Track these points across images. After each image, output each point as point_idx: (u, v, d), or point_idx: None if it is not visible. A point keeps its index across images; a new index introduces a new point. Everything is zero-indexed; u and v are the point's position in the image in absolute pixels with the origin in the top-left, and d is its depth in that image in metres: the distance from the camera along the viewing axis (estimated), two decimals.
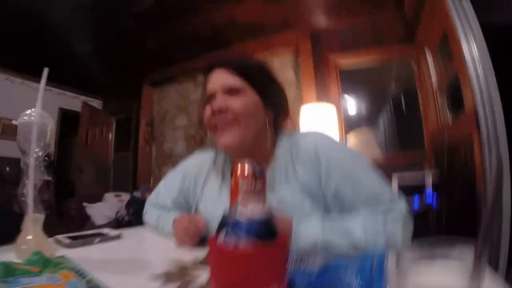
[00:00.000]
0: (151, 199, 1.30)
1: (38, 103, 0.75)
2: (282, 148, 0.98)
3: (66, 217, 5.85)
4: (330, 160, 0.89)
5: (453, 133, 2.28)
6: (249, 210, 0.52)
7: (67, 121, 5.74)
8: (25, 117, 0.73)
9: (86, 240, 0.95)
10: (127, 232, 1.14)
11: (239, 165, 0.71)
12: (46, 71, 0.77)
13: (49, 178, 5.43)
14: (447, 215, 2.14)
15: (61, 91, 5.69)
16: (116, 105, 5.81)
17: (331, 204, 0.88)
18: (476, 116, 1.85)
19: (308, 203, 0.89)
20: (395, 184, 2.16)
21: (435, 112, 2.77)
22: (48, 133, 0.76)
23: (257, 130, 0.95)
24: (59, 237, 0.93)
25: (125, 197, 4.19)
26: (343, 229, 0.79)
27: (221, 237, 0.47)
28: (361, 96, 3.55)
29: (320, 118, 2.62)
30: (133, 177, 4.91)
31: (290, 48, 3.59)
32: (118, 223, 3.23)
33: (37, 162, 0.74)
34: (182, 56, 4.24)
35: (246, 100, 0.93)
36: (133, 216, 3.13)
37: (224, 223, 0.49)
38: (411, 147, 3.17)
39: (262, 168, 0.71)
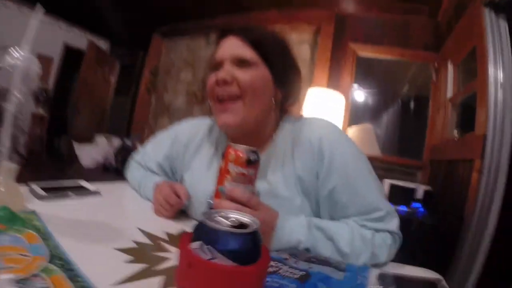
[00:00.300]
0: (135, 157, 1.23)
1: (26, 45, 0.67)
2: (284, 133, 0.91)
3: (56, 153, 5.85)
4: (333, 159, 0.81)
5: (454, 152, 2.24)
6: (231, 218, 0.47)
7: (71, 58, 5.57)
8: (10, 59, 0.67)
9: (61, 194, 0.90)
10: (108, 188, 1.09)
11: (233, 148, 0.67)
12: (39, 9, 0.69)
13: (44, 113, 5.37)
14: (430, 232, 2.14)
15: (69, 27, 5.51)
16: (122, 50, 5.65)
17: (322, 203, 0.83)
18: (484, 143, 1.81)
19: (299, 198, 0.83)
20: (386, 189, 2.14)
21: (441, 124, 2.73)
22: (33, 79, 0.70)
23: (262, 109, 0.87)
24: (35, 187, 0.88)
25: (117, 142, 4.15)
26: (329, 236, 0.74)
27: (195, 245, 0.41)
28: (372, 89, 3.49)
29: (326, 104, 2.56)
30: (128, 124, 4.86)
31: (312, 26, 3.45)
32: (105, 168, 3.20)
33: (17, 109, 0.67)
34: (199, 12, 4.07)
35: (256, 74, 0.85)
36: (120, 164, 3.09)
37: (200, 230, 0.43)
38: (409, 153, 3.15)
39: (257, 156, 0.67)
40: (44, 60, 5.29)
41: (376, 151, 2.58)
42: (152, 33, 4.68)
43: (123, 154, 3.14)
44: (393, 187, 2.13)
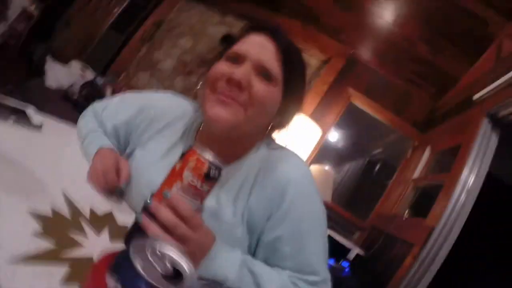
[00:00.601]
0: (96, 106, 1.07)
1: None
2: (256, 157, 0.83)
3: (28, 58, 5.46)
4: (292, 208, 0.75)
5: (398, 229, 2.30)
6: (166, 258, 0.36)
7: None
8: None
9: (1, 114, 0.79)
10: (53, 127, 0.99)
11: (197, 154, 0.56)
12: None
13: (34, 12, 4.97)
14: None
15: None
16: None
17: (262, 246, 0.77)
18: (429, 235, 1.87)
19: (242, 230, 0.77)
20: None
21: (396, 198, 2.80)
22: None
23: (257, 126, 0.81)
24: None
25: (89, 75, 3.93)
26: (258, 283, 0.67)
27: (111, 284, 0.34)
28: (349, 137, 3.54)
29: (303, 132, 2.54)
30: (109, 62, 4.61)
31: (323, 55, 3.41)
32: (66, 96, 3.01)
33: None
34: None
35: (272, 93, 0.76)
36: (82, 98, 2.92)
37: (123, 262, 0.34)
38: (356, 211, 3.21)
39: (219, 173, 0.58)
40: None
41: (327, 197, 2.60)
42: None
43: (89, 90, 2.98)
44: (330, 239, 2.13)
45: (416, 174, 2.75)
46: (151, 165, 0.84)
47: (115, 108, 1.01)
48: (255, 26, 0.82)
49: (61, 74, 3.29)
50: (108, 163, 0.81)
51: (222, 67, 0.76)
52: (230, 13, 4.02)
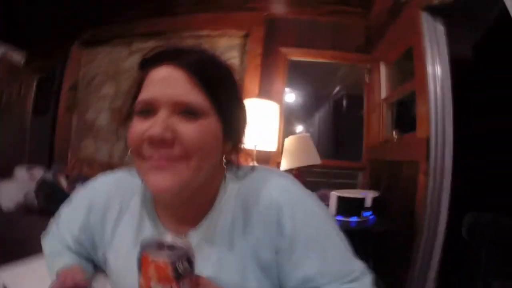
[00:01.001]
0: (54, 221, 0.94)
1: None
2: (230, 197, 0.71)
3: None
4: (296, 231, 0.66)
5: (395, 153, 2.28)
6: None
7: None
8: None
9: None
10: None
11: (151, 259, 0.48)
12: None
13: None
14: (382, 238, 2.16)
15: None
16: (39, 62, 5.06)
17: (286, 276, 0.68)
18: (428, 145, 1.84)
19: (255, 281, 0.67)
20: (333, 203, 2.09)
21: (378, 125, 2.79)
22: None
23: (210, 169, 0.66)
24: None
25: (38, 173, 3.71)
26: None
27: None
28: (304, 92, 3.50)
29: (260, 116, 2.46)
30: (50, 148, 4.37)
31: (241, 31, 3.30)
32: (27, 209, 2.81)
33: None
34: (120, 16, 3.80)
35: (206, 128, 0.62)
36: (43, 203, 2.73)
37: None
38: (347, 155, 3.20)
39: (189, 261, 0.49)
40: None
41: (316, 160, 2.54)
42: (71, 42, 4.24)
43: (44, 191, 2.78)
44: (341, 200, 2.08)
45: (384, 93, 2.73)
46: (127, 262, 0.71)
47: (67, 219, 0.88)
48: (148, 61, 0.66)
49: (11, 191, 3.06)
50: None
51: (136, 128, 0.62)
52: (134, 38, 3.84)
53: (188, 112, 0.60)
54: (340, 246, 0.70)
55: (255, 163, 2.46)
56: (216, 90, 0.63)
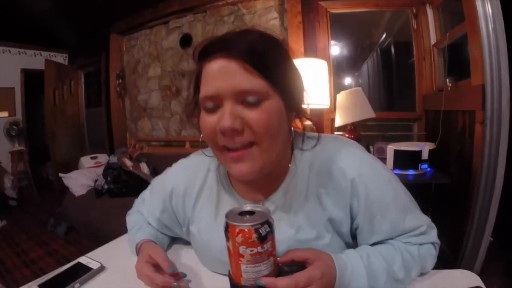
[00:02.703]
0: (137, 202, 1.10)
1: None
2: (304, 164, 0.76)
3: (46, 182, 5.79)
4: (370, 196, 0.71)
5: (450, 102, 2.15)
6: None
7: (33, 82, 5.39)
8: None
9: None
10: (110, 254, 0.98)
11: (237, 227, 0.55)
12: None
13: (22, 148, 5.22)
14: (440, 190, 2.11)
15: (21, 50, 5.29)
16: (83, 58, 5.35)
17: (363, 235, 0.76)
18: (483, 94, 1.72)
19: (328, 236, 0.74)
20: (390, 156, 2.06)
21: (430, 73, 2.64)
22: None
23: (281, 145, 0.70)
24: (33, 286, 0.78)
25: (102, 158, 4.01)
26: (385, 268, 0.70)
27: None
28: (349, 43, 3.36)
29: (310, 76, 2.42)
30: (109, 134, 4.67)
31: None
32: (97, 192, 3.07)
33: None
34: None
35: (270, 109, 0.64)
36: (112, 184, 2.98)
37: None
38: (401, 106, 3.08)
39: (269, 224, 0.57)
40: (6, 92, 5.10)
41: (370, 113, 2.48)
42: (108, 33, 4.39)
43: (112, 174, 3.01)
44: (397, 153, 2.04)
45: (433, 38, 2.55)
46: (210, 232, 0.82)
47: (149, 203, 1.00)
48: (204, 52, 0.68)
49: (80, 179, 3.35)
50: (147, 271, 0.78)
51: (207, 122, 0.66)
52: (169, 17, 3.89)
53: (250, 99, 0.63)
54: (409, 205, 0.76)
55: (310, 122, 2.49)
56: (271, 70, 0.64)
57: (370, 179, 0.72)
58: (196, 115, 0.73)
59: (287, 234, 0.73)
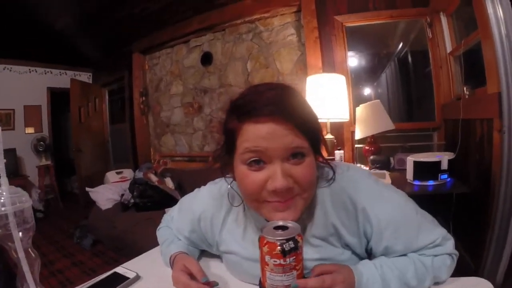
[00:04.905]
0: (166, 218, 1.16)
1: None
2: (323, 200, 0.81)
3: (71, 195, 6.01)
4: (381, 222, 0.77)
5: (468, 110, 2.15)
6: None
7: (58, 100, 5.71)
8: None
9: None
10: (144, 264, 1.05)
11: (266, 239, 0.63)
12: None
13: (48, 162, 5.44)
14: (461, 200, 2.09)
15: (47, 69, 5.58)
16: (106, 76, 5.57)
17: (377, 254, 0.82)
18: (500, 101, 1.72)
19: (347, 257, 0.82)
20: (410, 168, 2.07)
21: (447, 81, 2.64)
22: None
23: (315, 191, 0.78)
24: None
25: (127, 173, 4.14)
26: (398, 276, 0.74)
27: None
28: (366, 55, 3.38)
29: (329, 91, 2.48)
30: (133, 150, 4.82)
31: (291, 8, 3.31)
32: (124, 206, 3.18)
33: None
34: (172, 18, 3.96)
35: (311, 163, 0.71)
36: (138, 199, 3.07)
37: None
38: (420, 116, 3.08)
39: (294, 242, 0.63)
40: (33, 110, 5.33)
41: (389, 126, 2.50)
42: (131, 52, 4.57)
43: (138, 189, 3.11)
44: (417, 164, 2.05)
45: (449, 46, 2.56)
46: (239, 246, 0.88)
47: (178, 222, 1.05)
48: (247, 114, 0.70)
49: (106, 194, 3.47)
50: (182, 279, 0.83)
51: (253, 179, 0.70)
52: (189, 36, 4.04)
53: (296, 155, 0.69)
54: (421, 222, 0.79)
55: (330, 135, 2.58)
56: (307, 126, 0.70)
57: (379, 207, 0.77)
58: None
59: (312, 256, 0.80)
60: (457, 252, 0.80)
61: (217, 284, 0.85)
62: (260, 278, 0.68)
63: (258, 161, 0.70)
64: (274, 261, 0.62)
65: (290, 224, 0.68)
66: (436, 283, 0.79)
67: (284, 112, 0.67)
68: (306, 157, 0.70)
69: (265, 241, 0.63)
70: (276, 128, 0.67)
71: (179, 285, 0.84)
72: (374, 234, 0.78)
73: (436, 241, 0.77)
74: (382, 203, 0.78)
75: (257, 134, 0.68)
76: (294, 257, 0.63)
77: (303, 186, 0.70)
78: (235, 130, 0.73)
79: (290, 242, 0.62)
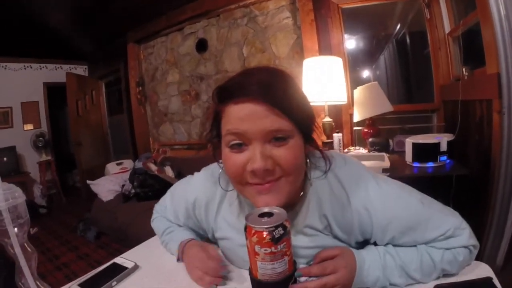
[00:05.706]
0: (158, 208, 1.14)
1: None
2: (315, 190, 0.79)
3: (73, 189, 6.04)
4: (379, 221, 0.75)
5: (467, 91, 2.13)
6: None
7: (55, 95, 5.72)
8: None
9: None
10: (142, 253, 1.05)
11: (253, 229, 0.61)
12: None
13: (49, 158, 5.45)
14: (460, 182, 2.09)
15: (42, 64, 5.57)
16: (102, 68, 5.55)
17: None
18: (499, 82, 1.70)
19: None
20: (409, 150, 2.06)
21: (446, 62, 2.61)
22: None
23: (302, 175, 0.75)
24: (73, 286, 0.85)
25: (127, 164, 4.14)
26: (400, 266, 0.73)
27: None
28: (363, 37, 3.35)
29: (326, 73, 2.46)
30: (132, 140, 4.83)
31: None
32: (125, 197, 3.19)
33: None
34: (165, 6, 3.90)
35: (295, 146, 0.69)
36: (139, 189, 3.08)
37: None
38: (419, 97, 3.06)
39: (283, 228, 0.61)
40: (30, 106, 5.32)
41: (388, 107, 2.49)
42: (125, 42, 4.53)
43: (138, 179, 3.12)
44: (416, 146, 2.04)
45: (447, 27, 2.53)
46: (235, 238, 0.87)
47: (172, 210, 1.05)
48: (225, 95, 0.70)
49: (107, 185, 3.47)
50: (201, 259, 0.85)
51: (234, 160, 0.70)
52: (184, 24, 3.99)
53: (277, 138, 0.67)
54: (428, 214, 0.75)
55: (328, 118, 2.56)
56: (293, 109, 0.68)
57: (378, 203, 0.75)
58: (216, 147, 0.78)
59: (303, 244, 0.80)
60: (476, 243, 0.76)
61: (227, 271, 0.85)
62: (249, 269, 0.67)
63: (240, 144, 0.69)
64: (265, 250, 0.60)
65: (275, 210, 0.66)
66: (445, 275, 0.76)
67: (265, 93, 0.66)
68: (290, 139, 0.68)
69: (253, 231, 0.61)
70: (256, 109, 0.66)
71: (195, 261, 0.86)
72: (376, 232, 0.76)
73: (447, 233, 0.73)
74: (382, 199, 0.75)
75: (237, 116, 0.67)
76: (285, 243, 0.62)
77: (286, 169, 0.68)
78: (219, 113, 0.72)
79: (280, 229, 0.60)
